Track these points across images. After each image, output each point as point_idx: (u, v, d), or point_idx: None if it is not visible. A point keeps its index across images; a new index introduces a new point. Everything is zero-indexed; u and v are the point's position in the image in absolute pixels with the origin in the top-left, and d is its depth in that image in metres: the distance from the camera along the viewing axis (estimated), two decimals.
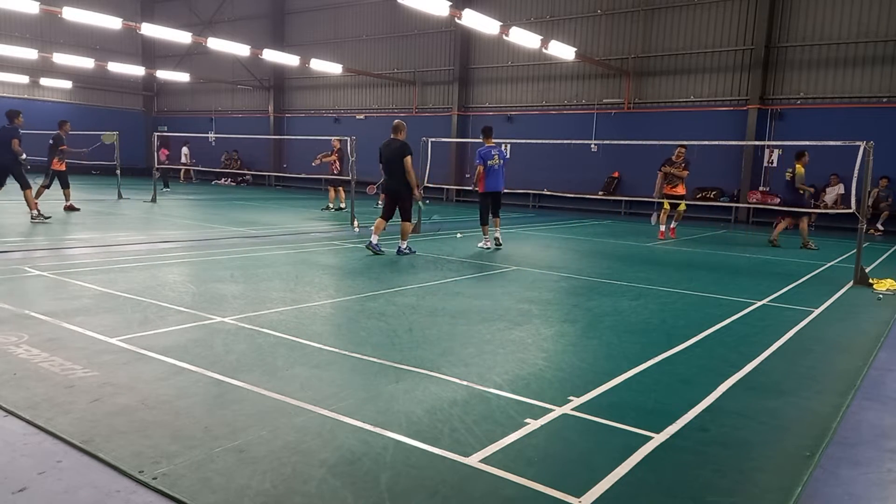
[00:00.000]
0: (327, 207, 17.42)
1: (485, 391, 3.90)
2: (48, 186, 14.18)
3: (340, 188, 17.55)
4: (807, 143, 13.91)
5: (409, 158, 9.33)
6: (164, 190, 22.96)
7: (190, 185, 28.03)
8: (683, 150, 12.83)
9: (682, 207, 13.49)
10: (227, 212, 16.31)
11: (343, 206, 17.43)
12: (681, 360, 4.77)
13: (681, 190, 12.94)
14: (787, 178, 12.43)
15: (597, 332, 5.53)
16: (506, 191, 10.94)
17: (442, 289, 7.19)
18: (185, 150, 27.95)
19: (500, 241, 10.66)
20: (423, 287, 7.19)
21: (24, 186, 12.09)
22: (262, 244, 10.33)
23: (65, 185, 14.31)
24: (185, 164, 27.28)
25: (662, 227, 13.38)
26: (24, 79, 28.34)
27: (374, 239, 9.50)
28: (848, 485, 2.96)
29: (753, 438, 3.39)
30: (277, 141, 28.98)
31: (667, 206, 13.04)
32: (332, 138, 17.13)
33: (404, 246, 9.63)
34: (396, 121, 9.64)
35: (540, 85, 22.20)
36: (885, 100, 16.56)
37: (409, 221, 9.80)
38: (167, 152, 26.48)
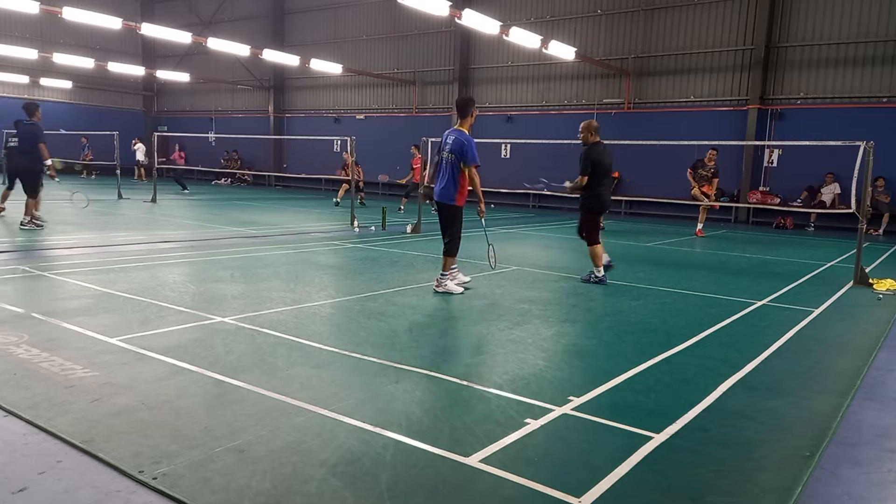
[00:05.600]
0: (361, 201, 19.19)
1: (485, 391, 3.90)
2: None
3: (344, 185, 19.17)
4: (807, 142, 13.96)
5: (584, 167, 7.56)
6: (184, 192, 22.16)
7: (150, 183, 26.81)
8: (714, 153, 13.72)
9: (704, 206, 14.25)
10: (227, 212, 16.31)
11: (338, 201, 19.10)
12: (681, 360, 4.77)
13: (706, 190, 13.74)
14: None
15: (597, 332, 5.53)
16: (505, 190, 10.08)
17: None
18: (140, 146, 27.15)
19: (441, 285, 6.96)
20: (423, 287, 7.19)
21: (33, 195, 11.27)
22: (262, 244, 10.33)
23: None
24: (140, 162, 26.84)
25: (700, 226, 14.24)
26: (24, 79, 28.31)
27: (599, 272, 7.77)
28: (848, 485, 2.96)
29: (753, 438, 3.39)
30: (277, 141, 28.98)
31: (695, 191, 13.89)
32: (344, 154, 18.59)
33: (600, 272, 7.76)
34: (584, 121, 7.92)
35: (540, 85, 22.19)
36: (885, 100, 16.55)
37: (591, 243, 7.76)
38: (184, 154, 26.23)
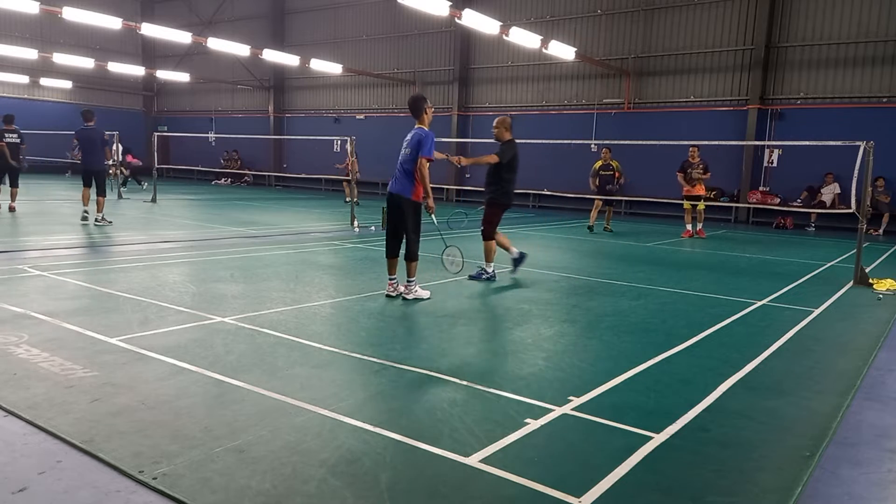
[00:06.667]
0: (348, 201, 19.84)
1: (485, 391, 3.90)
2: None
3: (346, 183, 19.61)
4: (807, 142, 13.96)
5: (506, 154, 7.60)
6: (140, 187, 23.14)
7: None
8: (696, 150, 13.62)
9: (701, 206, 14.06)
10: (227, 212, 16.30)
11: (348, 200, 19.40)
12: (681, 360, 4.77)
13: (699, 190, 13.72)
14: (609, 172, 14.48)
15: (597, 332, 5.52)
16: None
17: (442, 289, 7.18)
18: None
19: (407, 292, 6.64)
20: (422, 287, 7.18)
21: (102, 193, 12.12)
22: (262, 244, 10.33)
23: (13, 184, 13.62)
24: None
25: (688, 227, 14.08)
26: (24, 79, 28.32)
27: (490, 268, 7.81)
28: (848, 485, 2.96)
29: (753, 438, 3.39)
30: (277, 141, 28.98)
31: (687, 206, 13.91)
32: (348, 149, 18.18)
33: (490, 269, 7.84)
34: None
35: (540, 85, 22.19)
36: (885, 100, 16.55)
37: (487, 238, 7.88)
38: (131, 157, 26.31)
